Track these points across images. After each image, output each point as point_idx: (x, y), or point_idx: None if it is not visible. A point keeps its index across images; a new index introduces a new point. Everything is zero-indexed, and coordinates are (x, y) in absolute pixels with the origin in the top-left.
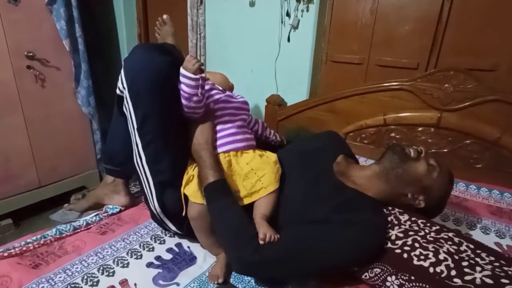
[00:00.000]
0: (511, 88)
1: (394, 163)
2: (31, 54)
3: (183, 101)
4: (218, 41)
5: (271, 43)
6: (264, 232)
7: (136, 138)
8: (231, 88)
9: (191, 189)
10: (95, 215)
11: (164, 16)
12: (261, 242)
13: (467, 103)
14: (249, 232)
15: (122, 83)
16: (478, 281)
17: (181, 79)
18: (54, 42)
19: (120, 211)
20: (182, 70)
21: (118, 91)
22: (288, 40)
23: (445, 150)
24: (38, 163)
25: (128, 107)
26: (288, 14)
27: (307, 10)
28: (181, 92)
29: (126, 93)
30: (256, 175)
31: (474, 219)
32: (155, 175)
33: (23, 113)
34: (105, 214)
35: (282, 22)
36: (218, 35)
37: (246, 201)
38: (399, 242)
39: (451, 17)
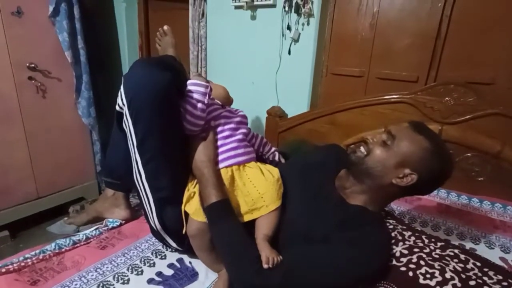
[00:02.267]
0: (509, 101)
1: (358, 167)
2: (33, 65)
3: (189, 108)
4: (219, 54)
5: (272, 56)
6: (267, 256)
7: (135, 155)
8: (230, 103)
9: (193, 207)
10: (95, 229)
11: (165, 27)
12: (265, 266)
13: (467, 116)
14: (251, 254)
15: (122, 100)
16: None
17: (191, 87)
18: (56, 53)
19: (121, 224)
20: (192, 80)
21: (117, 108)
22: (289, 53)
23: None
24: (37, 175)
25: (128, 124)
26: (289, 28)
27: (308, 24)
28: (188, 99)
29: (125, 110)
30: (258, 192)
31: (478, 233)
32: (155, 192)
33: (23, 126)
34: (105, 228)
35: (283, 35)
36: (219, 47)
37: (247, 218)
38: (404, 260)
39: (450, 32)
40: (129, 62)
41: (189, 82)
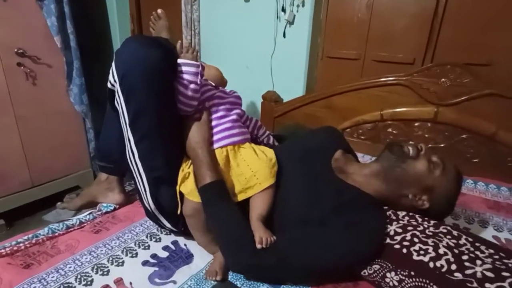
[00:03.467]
0: (506, 83)
1: (392, 163)
2: (21, 51)
3: (181, 89)
4: (213, 38)
5: (266, 39)
6: (261, 236)
7: (128, 133)
8: (224, 84)
9: (188, 187)
10: (89, 214)
11: (159, 11)
12: (258, 246)
13: (463, 98)
14: (246, 235)
15: (113, 76)
16: (479, 275)
17: (182, 67)
18: (45, 38)
19: (115, 209)
20: (181, 60)
21: (109, 85)
22: (284, 35)
23: (442, 145)
24: (30, 163)
25: (120, 101)
26: (283, 9)
27: (303, 5)
28: (180, 79)
29: (117, 87)
30: (251, 170)
31: (472, 213)
32: (148, 171)
33: (14, 112)
34: (99, 213)
35: (277, 18)
36: (212, 31)
37: (241, 197)
38: (398, 238)
39: (447, 12)
40: None
41: (179, 61)
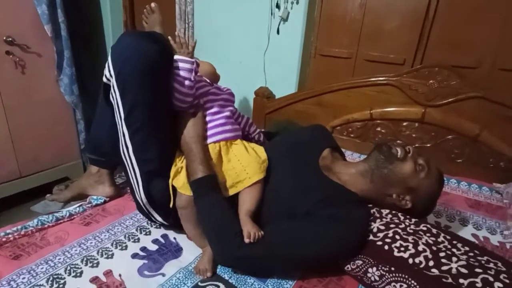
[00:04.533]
0: (493, 85)
1: (379, 163)
2: (10, 39)
3: (176, 86)
4: (206, 31)
5: (260, 35)
6: (248, 231)
7: (122, 128)
8: (217, 79)
9: (181, 181)
10: (79, 206)
11: (152, 4)
12: (246, 240)
13: (450, 99)
14: (234, 228)
15: (109, 71)
16: (454, 271)
17: (177, 63)
18: (35, 27)
19: (105, 202)
20: (176, 56)
21: (104, 79)
22: (278, 32)
23: (428, 145)
24: (18, 153)
25: (115, 96)
26: (278, 6)
27: (297, 2)
28: (175, 76)
29: (113, 82)
30: (241, 165)
31: (454, 211)
32: (142, 164)
33: (2, 101)
34: (89, 205)
35: (271, 14)
36: (206, 25)
37: (232, 191)
38: (381, 235)
39: (438, 13)
40: (113, 37)
41: (175, 57)
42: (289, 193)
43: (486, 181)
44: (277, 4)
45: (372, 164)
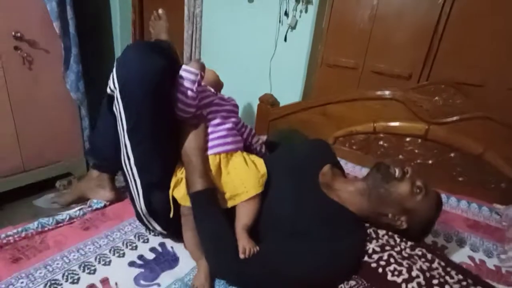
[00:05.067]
0: (497, 105)
1: (377, 182)
2: (19, 34)
3: (179, 96)
4: (214, 34)
5: (267, 42)
6: (244, 246)
7: (125, 140)
8: (221, 87)
9: (181, 192)
10: (79, 209)
11: (160, 11)
12: (241, 256)
13: (454, 118)
14: (230, 243)
15: (114, 83)
16: None
17: (182, 73)
18: (43, 23)
19: (105, 206)
20: (184, 66)
21: (108, 90)
22: (285, 39)
23: (430, 162)
24: (22, 148)
25: (119, 108)
26: (286, 14)
27: (306, 11)
28: (179, 87)
29: (117, 93)
30: (239, 178)
31: (452, 231)
32: (143, 176)
33: (8, 96)
34: (89, 209)
35: (280, 21)
36: (214, 28)
37: (230, 204)
38: (376, 256)
39: (447, 30)
40: (121, 37)
41: (182, 67)
42: (288, 209)
43: (487, 201)
44: (285, 12)
45: (370, 182)
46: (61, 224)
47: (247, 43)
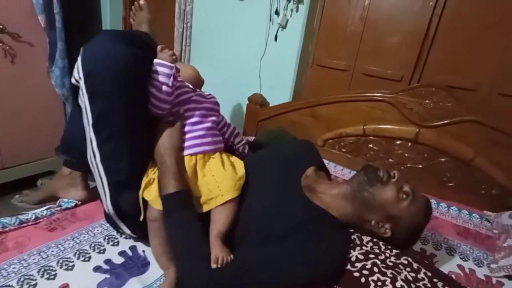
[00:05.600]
0: (490, 109)
1: (361, 185)
2: (1, 26)
3: (153, 91)
4: (204, 33)
5: (257, 40)
6: (216, 255)
7: (90, 134)
8: (201, 83)
9: (152, 194)
10: (47, 209)
11: (141, 2)
12: (213, 266)
13: (445, 121)
14: (202, 250)
15: (78, 72)
16: None
17: (156, 67)
18: (28, 16)
19: (76, 205)
20: (156, 60)
21: (73, 80)
22: (275, 39)
23: (420, 166)
24: (2, 144)
25: (84, 99)
26: (277, 12)
27: (297, 10)
28: (152, 81)
29: (82, 84)
30: (215, 181)
31: (441, 238)
32: (110, 175)
33: None
34: (58, 208)
35: (270, 20)
36: (205, 26)
37: (205, 208)
38: (359, 265)
39: (438, 34)
40: None
41: (154, 61)
42: (266, 214)
43: (477, 208)
44: (276, 10)
45: (354, 185)
46: (25, 224)
47: (238, 42)
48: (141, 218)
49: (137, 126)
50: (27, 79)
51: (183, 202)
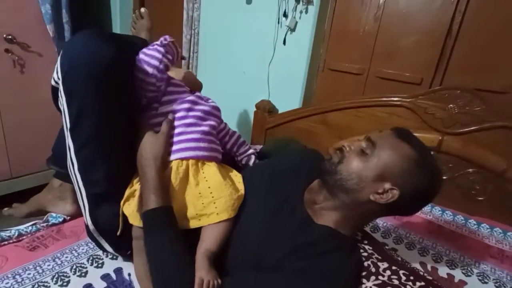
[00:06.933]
0: None
1: (329, 178)
2: (10, 37)
3: (140, 75)
4: (211, 38)
5: (265, 45)
6: (201, 278)
7: (68, 140)
8: (199, 88)
9: (131, 208)
10: (32, 225)
11: (142, 10)
12: None
13: (473, 128)
14: (184, 275)
15: (57, 73)
16: None
17: (142, 56)
18: (37, 26)
19: (64, 220)
20: (144, 49)
21: (52, 82)
22: (284, 42)
23: (444, 177)
24: (11, 153)
25: (62, 102)
26: (285, 15)
27: (306, 12)
28: (138, 65)
29: (60, 86)
30: (211, 196)
31: (471, 262)
32: (88, 186)
33: None
34: (44, 224)
35: (278, 23)
36: (212, 31)
37: (192, 224)
38: None
39: (462, 31)
40: None
41: (142, 50)
42: (259, 236)
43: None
44: (284, 12)
45: (328, 186)
46: (6, 242)
47: (245, 46)
48: (119, 232)
49: (115, 132)
50: (35, 89)
51: (165, 220)
